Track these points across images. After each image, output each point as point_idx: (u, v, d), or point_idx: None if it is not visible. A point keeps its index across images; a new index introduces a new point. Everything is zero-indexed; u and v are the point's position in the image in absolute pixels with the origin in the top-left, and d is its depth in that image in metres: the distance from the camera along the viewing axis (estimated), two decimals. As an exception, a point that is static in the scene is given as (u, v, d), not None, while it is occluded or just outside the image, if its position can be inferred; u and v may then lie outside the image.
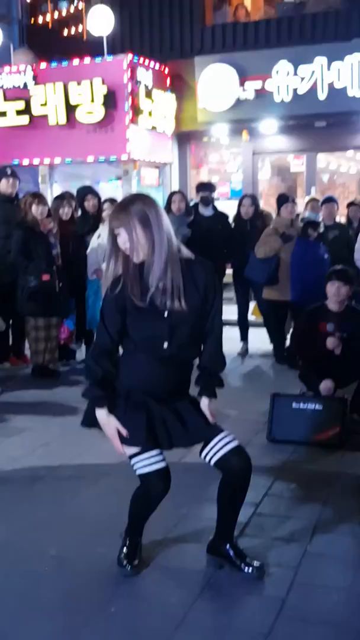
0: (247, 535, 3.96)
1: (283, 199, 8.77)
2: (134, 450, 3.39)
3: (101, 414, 3.36)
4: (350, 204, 10.33)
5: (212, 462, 3.42)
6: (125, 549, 3.61)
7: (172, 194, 9.07)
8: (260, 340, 9.08)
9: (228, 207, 10.04)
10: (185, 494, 4.43)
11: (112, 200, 8.45)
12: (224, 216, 9.10)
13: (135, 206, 3.25)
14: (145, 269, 3.27)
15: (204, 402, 3.43)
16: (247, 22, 13.44)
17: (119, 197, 9.65)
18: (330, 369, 5.81)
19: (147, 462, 3.39)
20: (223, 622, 3.20)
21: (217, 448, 3.39)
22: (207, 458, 3.43)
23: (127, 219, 3.23)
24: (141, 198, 3.34)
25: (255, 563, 3.53)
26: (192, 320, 3.31)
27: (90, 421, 3.47)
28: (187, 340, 3.34)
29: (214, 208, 9.11)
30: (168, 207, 8.76)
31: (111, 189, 12.11)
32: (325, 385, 5.74)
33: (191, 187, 12.95)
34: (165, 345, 3.30)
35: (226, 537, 3.60)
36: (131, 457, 3.41)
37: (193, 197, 10.23)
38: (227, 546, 3.58)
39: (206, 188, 9.23)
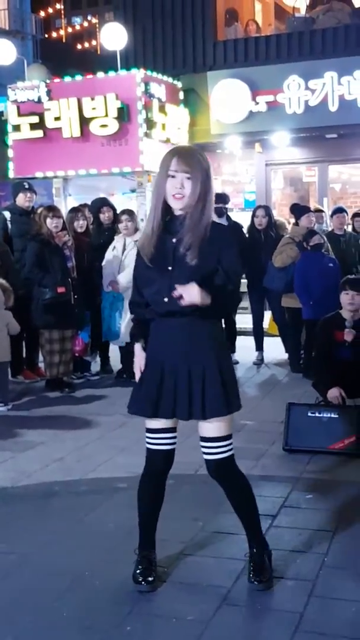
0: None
1: (303, 209, 8.73)
2: (148, 424, 3.40)
3: (136, 347, 3.47)
4: (355, 215, 10.21)
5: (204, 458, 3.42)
6: (139, 565, 3.51)
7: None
8: (275, 349, 8.99)
9: (242, 218, 9.96)
10: (201, 506, 4.34)
11: (129, 212, 8.36)
12: (238, 226, 9.03)
13: (203, 156, 3.25)
14: (178, 219, 3.24)
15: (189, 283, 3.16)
16: (258, 37, 13.40)
17: (134, 209, 9.63)
18: (344, 378, 5.71)
19: (156, 441, 3.41)
20: (241, 639, 3.08)
21: (208, 451, 3.38)
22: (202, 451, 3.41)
23: (195, 166, 3.18)
24: (203, 153, 3.32)
25: (261, 578, 3.42)
26: (194, 278, 3.15)
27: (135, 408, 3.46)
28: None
29: (228, 219, 9.04)
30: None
31: (125, 201, 12.06)
32: (333, 394, 5.65)
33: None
34: (166, 299, 3.23)
35: (250, 544, 3.52)
36: (146, 429, 3.43)
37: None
38: (248, 555, 3.51)
39: (220, 199, 9.16)
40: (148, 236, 3.30)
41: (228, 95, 12.43)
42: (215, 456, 3.36)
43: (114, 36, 12.46)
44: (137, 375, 3.45)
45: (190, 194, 3.17)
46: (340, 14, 12.95)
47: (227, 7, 13.91)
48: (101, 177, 12.44)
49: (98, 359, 8.76)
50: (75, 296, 7.77)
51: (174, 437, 3.45)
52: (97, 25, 14.44)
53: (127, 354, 8.27)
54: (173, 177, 3.19)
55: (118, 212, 8.61)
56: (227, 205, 9.15)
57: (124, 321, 7.97)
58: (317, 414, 5.54)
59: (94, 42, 16.31)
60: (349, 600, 3.33)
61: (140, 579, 3.46)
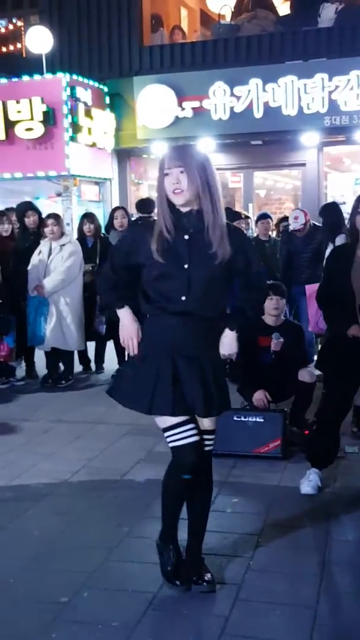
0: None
1: (235, 216, 8.79)
2: (166, 423, 3.31)
3: (123, 314, 3.37)
4: (282, 220, 10.34)
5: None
6: (169, 561, 3.47)
7: (114, 210, 8.97)
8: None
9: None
10: (126, 512, 4.31)
11: (55, 216, 8.28)
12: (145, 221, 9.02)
13: (195, 149, 3.31)
14: (189, 215, 3.26)
15: (225, 333, 3.37)
16: (184, 43, 13.47)
17: (60, 213, 9.54)
18: (268, 383, 5.77)
19: (179, 437, 3.30)
20: (166, 644, 3.08)
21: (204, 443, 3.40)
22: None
23: (187, 159, 3.21)
24: (196, 146, 3.39)
25: (207, 576, 3.45)
26: (212, 275, 3.24)
27: (116, 391, 3.42)
28: (203, 294, 3.25)
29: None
30: (110, 223, 8.66)
31: (51, 205, 11.95)
32: (258, 396, 5.71)
33: (131, 202, 12.89)
34: (183, 298, 3.23)
35: (190, 546, 3.53)
36: (164, 429, 3.34)
37: (134, 212, 10.15)
38: (188, 556, 3.53)
39: (146, 206, 9.16)
40: (159, 234, 3.26)
41: (154, 101, 12.45)
42: (207, 448, 3.42)
43: (39, 39, 12.35)
44: (134, 346, 3.36)
45: (188, 186, 3.20)
46: (265, 22, 13.11)
47: (152, 12, 13.93)
48: (26, 181, 12.29)
49: (23, 364, 8.63)
50: (0, 301, 7.64)
51: (194, 427, 3.33)
52: (23, 28, 14.25)
53: (52, 359, 8.19)
54: (168, 174, 3.23)
55: (44, 216, 8.51)
56: (153, 216, 9.15)
57: (49, 326, 7.89)
58: (242, 419, 5.57)
59: (19, 45, 16.09)
60: (274, 603, 3.35)
61: (177, 580, 3.45)
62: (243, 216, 10.51)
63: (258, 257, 3.47)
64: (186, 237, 3.25)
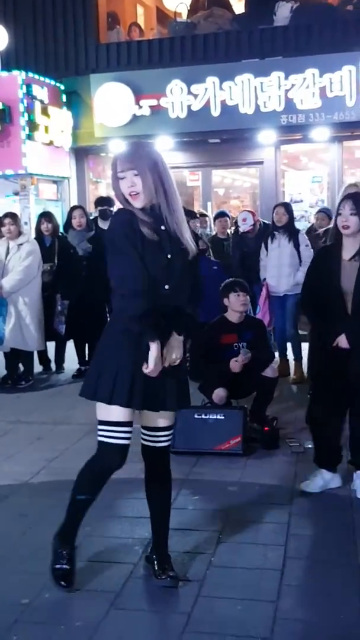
0: (152, 551, 3.86)
1: (189, 214, 8.77)
2: (105, 416, 3.31)
3: (154, 347, 3.19)
4: (218, 215, 10.36)
5: (144, 445, 3.49)
6: (61, 561, 3.46)
7: (72, 209, 8.90)
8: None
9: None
10: (88, 511, 4.30)
11: (12, 215, 8.19)
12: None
13: (145, 149, 3.30)
14: (158, 208, 3.26)
15: (173, 337, 3.31)
16: (141, 40, 13.45)
17: (17, 212, 9.46)
18: (229, 381, 5.80)
19: (114, 435, 3.32)
20: (129, 643, 3.09)
21: (162, 439, 3.48)
22: (144, 440, 3.49)
23: (139, 161, 3.22)
24: (147, 145, 3.38)
25: (171, 573, 3.47)
26: (184, 266, 3.31)
27: (91, 393, 3.35)
28: (179, 285, 3.29)
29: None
30: (69, 222, 8.61)
31: (8, 204, 11.85)
32: (218, 394, 5.74)
33: (90, 201, 12.83)
34: (167, 287, 3.25)
35: (155, 543, 3.58)
36: (100, 422, 3.34)
37: (92, 211, 10.11)
38: (154, 552, 3.57)
39: (105, 202, 9.13)
40: (146, 221, 3.27)
41: (111, 99, 12.40)
42: (166, 443, 3.49)
43: (-6, 36, 12.23)
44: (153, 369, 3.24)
45: (143, 188, 3.22)
46: (221, 20, 13.16)
47: (109, 10, 13.89)
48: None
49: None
50: None
51: (130, 430, 3.36)
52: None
53: (11, 359, 8.13)
54: (122, 178, 3.24)
55: (0, 215, 8.44)
56: (112, 208, 9.12)
57: (8, 326, 7.82)
58: (203, 416, 5.60)
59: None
60: (235, 598, 3.38)
61: (60, 577, 3.44)
62: (199, 215, 10.53)
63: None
64: (162, 227, 3.28)
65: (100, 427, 3.35)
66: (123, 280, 3.22)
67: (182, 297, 3.32)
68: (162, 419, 3.43)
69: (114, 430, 3.31)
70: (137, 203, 3.25)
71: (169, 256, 3.26)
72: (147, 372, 3.21)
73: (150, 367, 3.19)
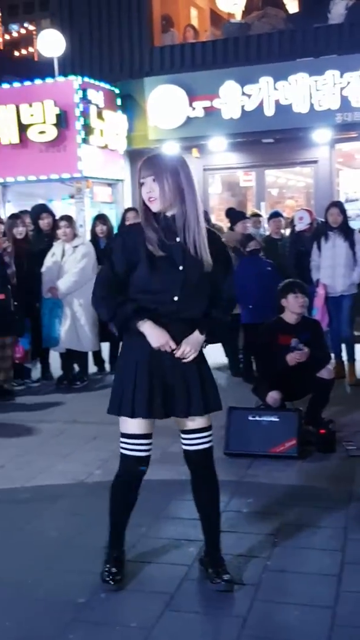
0: (207, 553, 3.83)
1: (239, 215, 8.75)
2: (124, 429, 3.41)
3: (145, 326, 3.31)
4: (271, 216, 10.28)
5: (183, 449, 3.49)
6: (108, 565, 3.51)
7: (126, 211, 8.95)
8: (214, 353, 8.98)
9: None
10: (143, 512, 4.29)
11: (68, 218, 8.29)
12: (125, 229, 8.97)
13: (165, 158, 3.39)
14: (174, 219, 3.31)
15: (194, 334, 3.37)
16: (194, 42, 13.45)
17: (73, 215, 9.54)
18: (285, 382, 5.74)
19: (132, 447, 3.41)
20: (184, 646, 3.06)
21: (189, 442, 3.45)
22: (182, 444, 3.49)
23: (157, 167, 3.30)
24: (171, 155, 3.49)
25: (226, 576, 3.43)
26: (201, 277, 3.33)
27: (117, 408, 3.41)
28: (193, 296, 3.33)
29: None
30: (123, 224, 8.65)
31: (64, 207, 11.97)
32: (272, 397, 5.68)
33: (143, 204, 12.85)
34: (176, 298, 3.30)
35: (207, 546, 3.55)
36: (121, 434, 3.43)
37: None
38: (207, 555, 3.55)
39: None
40: (149, 236, 3.32)
41: (165, 101, 12.44)
42: (200, 445, 3.44)
43: (51, 43, 12.39)
44: (172, 345, 3.32)
45: (160, 194, 3.28)
46: (275, 20, 13.09)
47: (163, 13, 13.92)
48: (40, 184, 12.31)
49: (38, 365, 8.64)
50: (15, 303, 7.66)
51: (150, 444, 3.45)
52: (34, 32, 14.28)
53: (67, 360, 8.20)
54: (143, 184, 3.33)
55: (57, 218, 8.52)
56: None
57: (64, 327, 7.90)
58: (257, 418, 5.55)
59: (31, 49, 16.10)
60: (291, 603, 3.32)
61: (109, 578, 3.47)
62: (252, 215, 10.47)
63: (232, 274, 3.57)
64: (178, 239, 3.32)
65: (120, 439, 3.45)
66: (95, 285, 3.46)
67: (197, 307, 3.37)
68: (194, 422, 3.43)
69: (131, 442, 3.41)
70: (154, 207, 3.32)
71: (181, 268, 3.30)
72: (167, 349, 3.31)
73: (158, 344, 3.29)
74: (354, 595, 3.39)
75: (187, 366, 3.37)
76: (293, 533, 4.08)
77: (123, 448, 3.44)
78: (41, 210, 8.79)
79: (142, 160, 3.39)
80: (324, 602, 3.32)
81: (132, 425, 3.38)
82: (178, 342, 3.34)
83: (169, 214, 3.33)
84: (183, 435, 3.48)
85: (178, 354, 3.33)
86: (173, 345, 3.32)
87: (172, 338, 3.32)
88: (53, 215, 8.68)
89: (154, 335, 3.31)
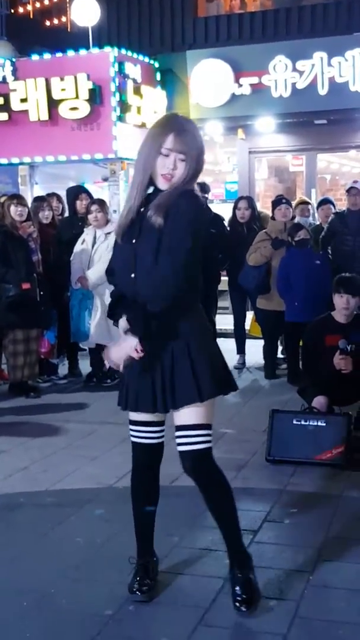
0: (245, 566, 3.87)
1: (276, 201, 8.73)
2: (129, 416, 3.48)
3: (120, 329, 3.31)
4: (322, 202, 10.24)
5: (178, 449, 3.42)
6: (136, 575, 3.55)
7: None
8: (257, 352, 9.02)
9: (223, 210, 9.98)
10: (176, 520, 4.34)
11: (100, 202, 8.30)
12: (219, 219, 9.04)
13: (200, 137, 3.28)
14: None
15: (123, 338, 3.24)
16: (242, 13, 13.45)
17: (106, 199, 9.61)
18: (337, 385, 5.74)
19: (138, 434, 3.49)
20: (218, 663, 3.11)
21: (181, 441, 3.36)
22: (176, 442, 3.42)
23: (192, 147, 3.19)
24: (199, 130, 3.34)
25: (243, 608, 3.37)
26: (157, 248, 3.16)
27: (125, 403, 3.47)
28: (152, 273, 3.17)
29: (209, 210, 9.05)
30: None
31: (96, 190, 12.05)
32: (318, 401, 5.69)
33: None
34: (132, 275, 3.22)
35: (230, 561, 3.51)
36: (129, 421, 3.50)
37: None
38: (230, 574, 3.50)
39: (200, 189, 9.14)
40: (125, 214, 3.30)
41: (209, 77, 12.44)
42: (189, 447, 3.34)
43: (85, 11, 12.43)
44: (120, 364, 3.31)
45: (181, 175, 3.20)
46: (331, -10, 13.04)
47: (208, -20, 13.96)
48: (71, 164, 12.40)
49: (66, 361, 8.74)
50: (42, 293, 7.74)
51: (158, 432, 3.49)
52: (68, 0, 14.38)
53: (97, 356, 8.27)
54: (166, 155, 3.18)
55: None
56: (207, 196, 9.15)
57: (94, 321, 7.95)
58: (302, 422, 5.55)
59: (63, 18, 16.21)
60: (335, 621, 3.35)
61: (135, 588, 3.50)
62: (299, 201, 10.42)
63: (187, 250, 3.15)
64: (142, 209, 3.25)
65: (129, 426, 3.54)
66: None
67: (148, 287, 3.16)
68: (180, 417, 3.34)
69: (134, 429, 3.50)
70: (165, 185, 3.22)
71: (134, 240, 3.23)
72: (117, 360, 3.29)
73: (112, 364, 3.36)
74: None
75: (163, 356, 3.27)
76: (338, 546, 4.10)
77: (131, 436, 3.52)
78: (79, 191, 8.86)
79: (173, 126, 3.21)
80: (371, 621, 3.34)
81: (132, 412, 3.46)
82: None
83: (160, 188, 3.24)
84: (175, 433, 3.41)
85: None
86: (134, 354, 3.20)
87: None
88: (92, 197, 8.72)
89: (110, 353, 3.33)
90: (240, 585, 3.41)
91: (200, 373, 3.28)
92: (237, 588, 3.40)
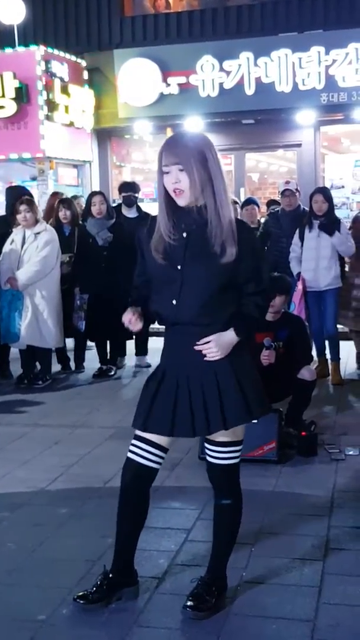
0: (179, 564, 3.87)
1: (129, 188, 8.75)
2: (135, 430, 3.39)
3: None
4: (270, 203, 10.37)
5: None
6: (96, 583, 3.47)
7: (91, 195, 8.85)
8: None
9: (153, 209, 9.93)
10: (111, 522, 4.29)
11: (28, 202, 8.16)
12: (149, 218, 8.97)
13: (192, 140, 3.18)
14: (201, 211, 3.18)
15: (227, 334, 3.22)
16: (169, 13, 13.46)
17: (35, 198, 9.49)
18: (266, 382, 5.76)
19: (135, 450, 3.39)
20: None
21: (214, 455, 3.41)
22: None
23: (184, 154, 3.13)
24: (196, 136, 3.26)
25: (189, 603, 3.40)
26: (212, 276, 3.16)
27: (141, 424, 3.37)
28: (198, 302, 3.17)
29: (138, 209, 9.03)
30: (88, 210, 8.61)
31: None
32: None
33: (113, 187, 12.89)
34: (174, 302, 3.20)
35: (210, 571, 3.54)
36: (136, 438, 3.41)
37: (115, 197, 10.13)
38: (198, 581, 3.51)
39: (129, 188, 9.13)
40: (158, 235, 3.26)
41: (137, 76, 12.45)
42: (221, 461, 3.41)
43: (11, 9, 12.30)
44: (126, 323, 3.34)
45: (190, 185, 3.13)
46: (257, -10, 13.13)
47: (134, -21, 13.93)
48: (-2, 164, 12.28)
49: (-4, 363, 8.63)
50: (-30, 295, 7.63)
51: (160, 457, 3.41)
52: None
53: (27, 357, 8.18)
54: (167, 172, 3.18)
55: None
56: (136, 194, 9.13)
57: (25, 322, 7.86)
58: (234, 420, 5.57)
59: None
60: (269, 617, 3.37)
61: (83, 598, 3.42)
62: (232, 202, 10.48)
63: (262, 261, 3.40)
64: (184, 234, 3.20)
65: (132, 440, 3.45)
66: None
67: (209, 313, 3.19)
68: (222, 433, 3.34)
69: (138, 446, 3.39)
70: (181, 201, 3.19)
71: (179, 267, 3.19)
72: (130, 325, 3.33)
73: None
74: (334, 607, 3.45)
75: (206, 378, 3.25)
76: (271, 542, 4.14)
77: (131, 452, 3.40)
78: (23, 192, 8.71)
79: (165, 143, 3.21)
80: (304, 615, 3.37)
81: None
82: (187, 356, 3.23)
83: (199, 204, 3.19)
84: (207, 445, 3.43)
85: (199, 348, 3.21)
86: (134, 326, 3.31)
87: (182, 339, 3.24)
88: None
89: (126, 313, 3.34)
90: (195, 597, 3.42)
91: (248, 392, 3.30)
92: (192, 598, 3.41)
